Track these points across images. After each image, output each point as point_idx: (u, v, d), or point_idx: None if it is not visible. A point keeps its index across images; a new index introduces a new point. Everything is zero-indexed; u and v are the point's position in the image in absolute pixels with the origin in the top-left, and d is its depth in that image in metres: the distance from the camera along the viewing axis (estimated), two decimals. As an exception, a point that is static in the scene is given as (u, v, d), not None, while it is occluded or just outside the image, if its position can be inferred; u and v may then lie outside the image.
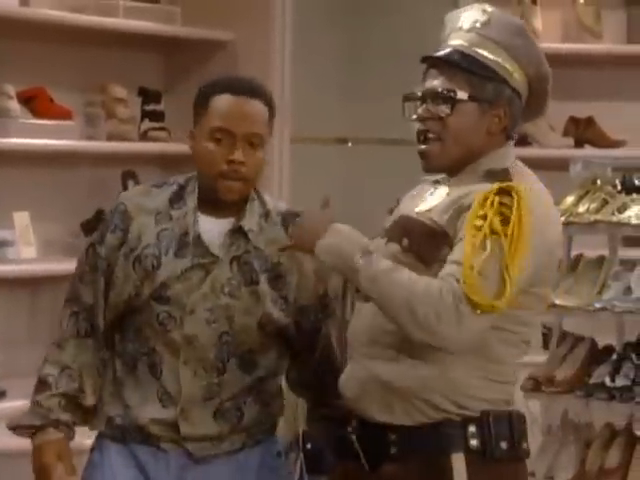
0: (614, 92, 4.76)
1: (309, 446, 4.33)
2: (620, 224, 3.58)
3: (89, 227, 3.89)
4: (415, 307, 2.17)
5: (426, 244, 2.24)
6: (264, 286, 2.38)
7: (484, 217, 2.18)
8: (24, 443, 2.45)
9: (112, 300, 2.38)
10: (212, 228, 2.38)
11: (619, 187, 3.69)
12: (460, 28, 2.32)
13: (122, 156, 4.03)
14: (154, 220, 2.37)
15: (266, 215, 2.42)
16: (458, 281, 2.17)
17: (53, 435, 2.38)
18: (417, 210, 2.29)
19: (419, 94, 2.32)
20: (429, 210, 2.27)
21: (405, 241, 2.26)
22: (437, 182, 2.36)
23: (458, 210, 2.23)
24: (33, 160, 3.81)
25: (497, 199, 2.20)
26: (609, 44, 4.79)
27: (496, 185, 2.22)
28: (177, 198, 2.40)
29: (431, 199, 2.30)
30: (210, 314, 2.36)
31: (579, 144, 4.76)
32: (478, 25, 2.30)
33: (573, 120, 4.77)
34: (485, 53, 2.29)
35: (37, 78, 3.80)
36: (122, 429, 2.38)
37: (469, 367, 2.24)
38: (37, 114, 3.76)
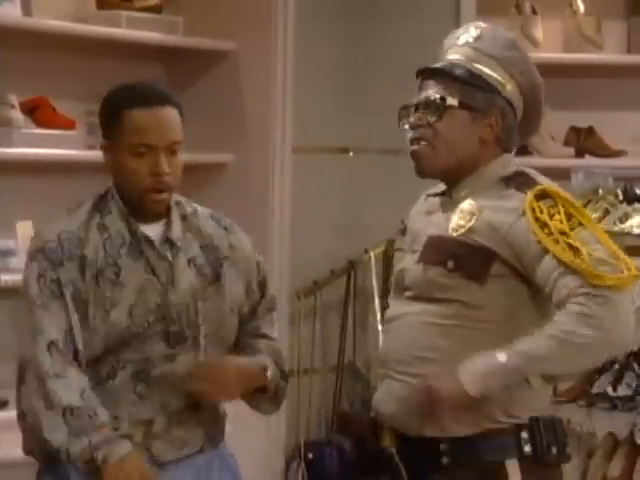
0: (615, 102, 4.77)
1: (310, 456, 4.34)
2: (622, 234, 3.59)
3: (91, 236, 3.89)
4: (584, 348, 2.20)
5: (475, 263, 2.28)
6: (227, 278, 2.40)
7: (545, 226, 2.24)
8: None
9: (96, 331, 2.32)
10: (147, 232, 2.38)
11: (621, 197, 3.70)
12: (455, 44, 2.40)
13: (124, 166, 4.03)
14: (98, 234, 2.36)
15: (194, 213, 2.43)
16: (580, 286, 2.21)
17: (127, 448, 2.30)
18: (452, 229, 2.32)
19: (414, 103, 2.37)
20: (469, 230, 2.30)
21: (451, 263, 2.29)
22: (443, 194, 2.39)
23: (499, 231, 2.28)
24: (36, 170, 3.82)
25: (541, 204, 2.25)
26: (610, 54, 4.80)
27: (530, 195, 2.27)
28: (102, 209, 2.39)
29: (460, 215, 2.33)
30: (200, 320, 2.37)
31: (580, 154, 4.77)
32: (471, 40, 2.38)
33: (574, 130, 4.78)
34: (478, 65, 2.35)
35: (40, 88, 3.81)
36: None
37: None
38: (40, 124, 3.77)
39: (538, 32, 4.73)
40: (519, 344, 2.23)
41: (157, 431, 2.34)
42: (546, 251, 2.24)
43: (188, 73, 4.22)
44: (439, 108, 2.32)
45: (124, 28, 3.92)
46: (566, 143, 4.79)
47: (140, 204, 2.36)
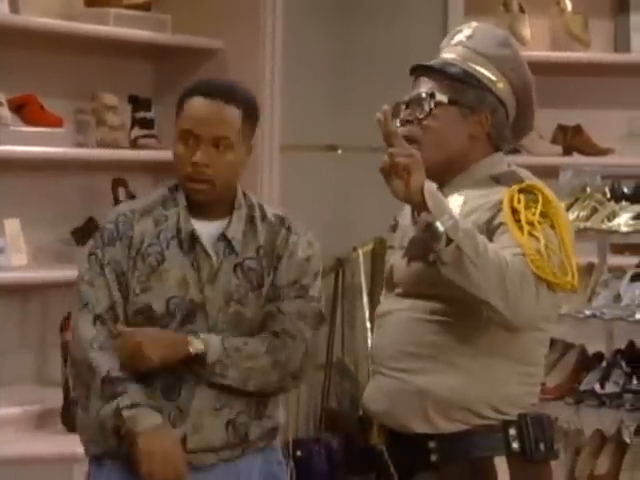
0: (602, 100, 4.78)
1: (299, 453, 4.34)
2: (609, 232, 3.60)
3: (80, 234, 3.89)
4: (505, 277, 2.15)
5: None
6: (267, 283, 2.41)
7: (516, 212, 2.22)
8: (24, 451, 2.44)
9: (128, 307, 2.37)
10: (202, 231, 2.40)
11: (608, 195, 3.71)
12: (449, 43, 2.41)
13: (112, 163, 4.03)
14: (153, 223, 2.40)
15: (263, 216, 2.45)
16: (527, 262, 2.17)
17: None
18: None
19: (405, 100, 2.38)
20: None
21: (432, 257, 2.26)
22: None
23: (481, 222, 2.27)
24: (24, 167, 3.81)
25: (522, 197, 2.25)
26: (597, 52, 4.81)
27: (516, 186, 2.27)
28: (169, 199, 2.43)
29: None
30: (224, 324, 2.38)
31: (567, 152, 4.78)
32: (464, 39, 2.39)
33: (561, 128, 4.79)
34: (471, 63, 2.36)
35: (28, 85, 3.80)
36: (121, 451, 2.36)
37: (507, 372, 2.28)
38: (28, 121, 3.76)
39: (526, 30, 4.74)
40: (466, 224, 2.17)
41: (191, 448, 2.34)
42: (507, 232, 2.23)
43: (176, 71, 4.21)
44: (428, 104, 2.33)
45: (112, 26, 3.91)
46: (554, 141, 4.80)
47: (186, 192, 2.40)
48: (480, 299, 2.18)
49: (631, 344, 3.73)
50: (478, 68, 2.35)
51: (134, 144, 4.05)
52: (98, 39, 3.90)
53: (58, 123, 3.83)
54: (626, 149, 4.78)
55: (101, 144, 3.95)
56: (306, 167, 4.51)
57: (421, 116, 2.33)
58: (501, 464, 2.28)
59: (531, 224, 2.22)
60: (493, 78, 2.35)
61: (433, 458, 2.29)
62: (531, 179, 2.34)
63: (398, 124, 2.36)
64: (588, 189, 3.71)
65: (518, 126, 2.41)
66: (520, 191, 2.26)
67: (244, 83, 4.16)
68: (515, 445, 2.28)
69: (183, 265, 2.37)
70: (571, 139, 4.78)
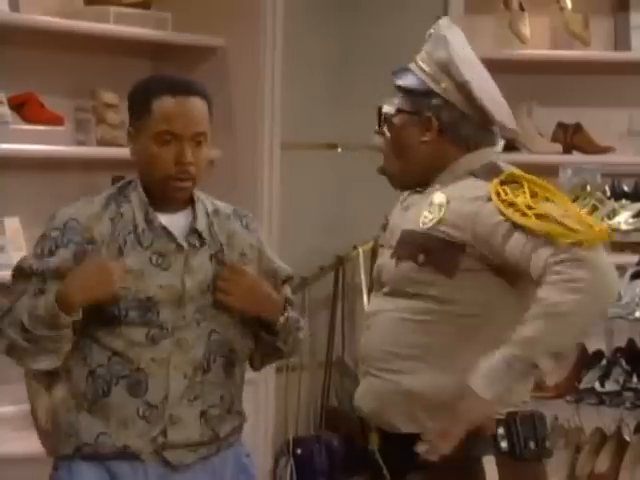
0: (602, 98, 4.78)
1: (299, 451, 4.34)
2: (610, 230, 3.60)
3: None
4: (574, 314, 2.17)
5: (445, 256, 2.28)
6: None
7: (511, 205, 2.24)
8: (24, 448, 2.44)
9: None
10: (167, 223, 2.39)
11: (608, 193, 3.71)
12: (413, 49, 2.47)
13: (112, 161, 4.03)
14: (109, 221, 2.38)
15: (215, 212, 2.45)
16: (553, 254, 2.18)
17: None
18: (422, 223, 2.32)
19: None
20: (438, 222, 2.30)
21: (421, 257, 2.30)
22: (418, 191, 2.42)
23: (468, 219, 2.28)
24: (24, 165, 3.81)
25: (505, 188, 2.27)
26: (597, 51, 4.81)
27: (495, 180, 2.29)
28: (120, 198, 2.40)
29: (429, 209, 2.33)
30: (199, 314, 2.37)
31: (568, 150, 4.78)
32: (427, 38, 2.43)
33: (561, 126, 4.79)
34: (421, 65, 2.40)
35: (28, 84, 3.80)
36: (99, 451, 2.35)
37: None
38: (28, 120, 3.76)
39: (526, 29, 4.74)
40: (513, 335, 2.20)
41: (171, 442, 2.34)
42: (515, 227, 2.23)
43: (176, 69, 4.20)
44: (379, 117, 2.41)
45: (112, 24, 3.91)
46: (554, 139, 4.80)
47: (163, 192, 2.37)
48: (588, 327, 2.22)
49: (631, 342, 3.73)
50: (428, 71, 2.38)
51: (134, 142, 4.05)
52: (98, 37, 3.90)
53: (58, 121, 3.83)
54: (626, 147, 4.78)
55: (101, 142, 3.95)
56: (306, 165, 4.51)
57: (379, 130, 2.41)
58: (489, 463, 2.27)
59: (529, 207, 2.23)
60: (438, 78, 2.37)
61: (422, 458, 2.27)
62: (510, 169, 2.35)
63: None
64: (588, 187, 3.71)
65: (478, 121, 2.40)
66: (502, 184, 2.28)
67: (244, 81, 4.19)
68: (504, 444, 2.28)
69: (141, 261, 2.35)
70: (571, 137, 4.78)
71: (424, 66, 2.39)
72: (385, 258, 2.39)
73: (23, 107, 3.77)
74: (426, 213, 2.32)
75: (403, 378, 2.30)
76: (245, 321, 2.42)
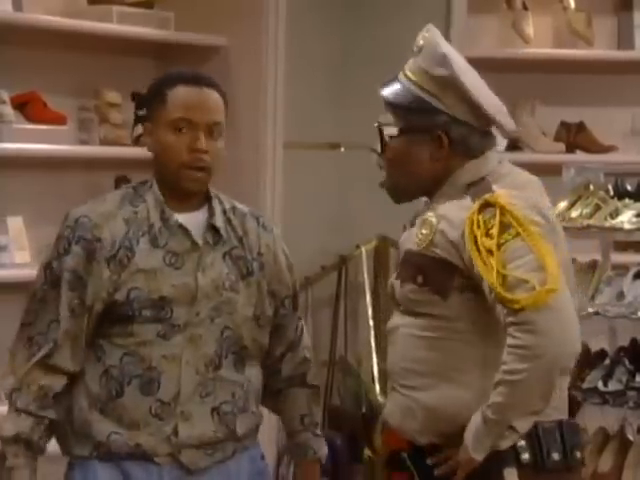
0: (605, 98, 4.78)
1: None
2: (613, 229, 3.60)
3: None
4: (532, 379, 2.19)
5: (439, 277, 2.28)
6: (258, 276, 2.42)
7: (477, 242, 2.23)
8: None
9: (88, 304, 2.34)
10: (183, 221, 2.38)
11: (611, 192, 3.71)
12: (412, 51, 2.40)
13: (115, 161, 4.03)
14: (122, 221, 2.37)
15: (232, 209, 2.45)
16: (507, 315, 2.20)
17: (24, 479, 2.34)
18: (417, 243, 2.33)
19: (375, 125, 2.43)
20: (430, 243, 2.30)
21: (420, 278, 2.30)
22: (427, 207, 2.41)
23: (451, 243, 2.28)
24: (27, 165, 3.81)
25: (480, 218, 2.24)
26: (600, 50, 4.81)
27: (475, 206, 2.27)
28: (136, 198, 2.39)
29: (423, 227, 2.33)
30: (214, 311, 2.37)
31: (570, 149, 4.78)
32: (416, 52, 2.38)
33: (564, 125, 4.79)
34: (419, 83, 2.35)
35: (31, 83, 3.80)
36: (113, 451, 2.35)
37: None
38: (31, 119, 3.76)
39: (529, 28, 4.74)
40: (490, 398, 2.24)
41: (183, 440, 2.34)
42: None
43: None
44: (381, 138, 2.37)
45: (115, 23, 3.91)
46: (557, 138, 4.80)
47: (178, 183, 2.36)
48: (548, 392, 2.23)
49: (634, 342, 3.72)
50: (427, 88, 2.34)
51: (137, 142, 4.05)
52: (101, 37, 3.90)
53: (61, 121, 3.83)
54: (629, 146, 4.78)
55: (104, 142, 3.95)
56: (309, 165, 4.51)
57: (379, 150, 2.38)
58: (511, 476, 2.26)
59: (490, 251, 2.22)
60: (440, 96, 2.33)
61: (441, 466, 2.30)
62: (496, 187, 2.30)
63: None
64: (591, 186, 3.71)
65: (481, 128, 2.38)
66: (480, 210, 2.25)
67: (247, 80, 4.19)
68: (525, 456, 2.27)
69: (157, 260, 2.34)
70: (574, 136, 4.78)
71: (423, 84, 2.34)
72: (394, 277, 2.40)
73: (26, 106, 3.77)
74: (419, 233, 2.32)
75: (419, 394, 2.32)
76: (260, 319, 2.42)
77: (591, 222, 3.59)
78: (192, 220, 2.39)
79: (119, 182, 4.01)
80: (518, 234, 2.23)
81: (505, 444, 2.27)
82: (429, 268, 2.29)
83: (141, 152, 4.08)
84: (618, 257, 4.00)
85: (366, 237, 4.48)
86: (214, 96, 2.38)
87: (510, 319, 2.20)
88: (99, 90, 3.96)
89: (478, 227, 2.23)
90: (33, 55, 3.79)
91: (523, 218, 2.24)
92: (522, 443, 2.27)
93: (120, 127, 3.98)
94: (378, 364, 4.27)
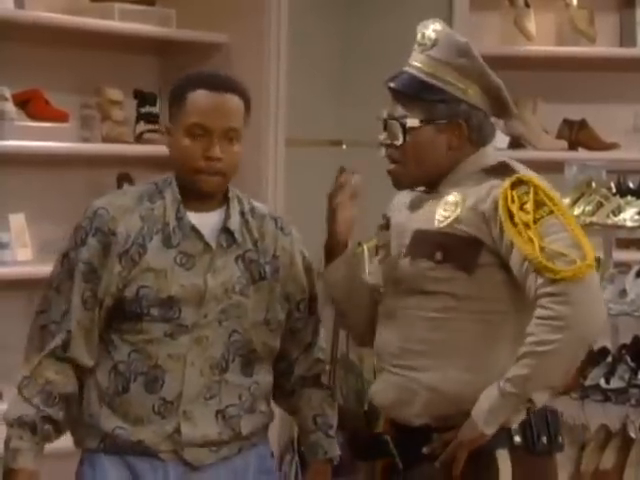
0: (607, 95, 4.77)
1: (303, 449, 4.33)
2: (615, 226, 3.60)
3: (85, 229, 3.89)
4: (559, 352, 2.23)
5: (464, 253, 2.30)
6: (270, 280, 2.41)
7: (512, 215, 2.26)
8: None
9: (100, 297, 2.35)
10: (199, 222, 2.38)
11: (614, 190, 3.71)
12: (416, 47, 2.42)
13: (117, 158, 4.03)
14: (138, 217, 2.37)
15: (251, 211, 2.44)
16: (542, 286, 2.23)
17: (27, 462, 2.34)
18: (438, 221, 2.34)
19: (383, 118, 2.41)
20: (455, 220, 2.32)
21: (439, 255, 2.31)
22: (427, 191, 2.42)
23: (482, 217, 2.30)
24: (29, 162, 3.81)
25: (514, 193, 2.28)
26: (602, 47, 4.80)
27: (507, 182, 2.30)
28: (155, 194, 2.40)
29: (444, 207, 2.35)
30: (222, 314, 2.37)
31: (573, 147, 4.77)
32: (428, 46, 2.39)
33: (567, 123, 4.79)
34: (437, 74, 2.37)
35: (33, 80, 3.80)
36: (118, 444, 2.36)
37: (511, 365, 2.28)
38: (33, 116, 3.76)
39: (531, 25, 4.73)
40: (509, 371, 2.26)
41: (186, 439, 2.35)
42: (513, 242, 2.28)
43: (181, 65, 4.20)
44: (402, 131, 2.37)
45: (117, 21, 3.91)
46: (559, 136, 4.80)
47: (193, 185, 2.37)
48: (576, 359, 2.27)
49: (636, 339, 3.72)
50: (446, 78, 2.36)
51: (139, 139, 4.05)
52: (103, 34, 3.90)
53: (63, 118, 3.83)
54: (631, 144, 4.78)
55: (106, 139, 3.95)
56: (311, 162, 4.50)
57: (398, 143, 2.37)
58: (503, 457, 2.30)
59: (526, 225, 2.25)
60: (462, 86, 2.36)
61: (437, 451, 2.31)
62: (519, 169, 2.37)
63: (380, 144, 2.41)
64: (593, 184, 3.70)
65: (499, 116, 2.44)
66: (512, 186, 2.29)
67: (249, 78, 4.19)
68: (517, 438, 2.30)
69: (166, 259, 2.34)
70: (576, 134, 4.78)
71: (441, 75, 2.36)
72: (396, 257, 2.39)
73: (28, 104, 3.77)
74: (441, 212, 2.34)
75: (419, 374, 2.32)
76: (271, 323, 2.41)
77: (593, 219, 3.59)
78: (208, 221, 2.38)
79: (121, 180, 4.01)
80: (552, 212, 2.28)
81: (516, 420, 2.30)
82: (451, 245, 2.31)
83: (143, 149, 4.12)
84: (620, 255, 3.99)
85: (368, 235, 4.48)
86: (233, 101, 2.36)
87: (546, 289, 2.23)
88: (101, 87, 3.96)
89: (512, 202, 2.27)
90: (35, 52, 3.79)
91: (555, 197, 2.30)
92: (515, 426, 2.30)
93: (122, 124, 3.98)
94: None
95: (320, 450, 2.51)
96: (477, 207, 2.31)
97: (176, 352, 2.34)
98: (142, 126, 4.05)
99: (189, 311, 2.34)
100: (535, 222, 2.26)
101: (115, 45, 4.01)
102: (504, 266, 2.30)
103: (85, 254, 2.35)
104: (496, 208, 2.28)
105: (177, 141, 2.37)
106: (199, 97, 2.35)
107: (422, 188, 2.44)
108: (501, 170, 2.35)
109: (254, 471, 2.42)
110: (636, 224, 3.58)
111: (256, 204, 2.47)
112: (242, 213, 2.42)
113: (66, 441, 2.44)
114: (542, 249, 2.23)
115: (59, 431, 2.38)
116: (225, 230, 2.38)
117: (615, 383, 3.55)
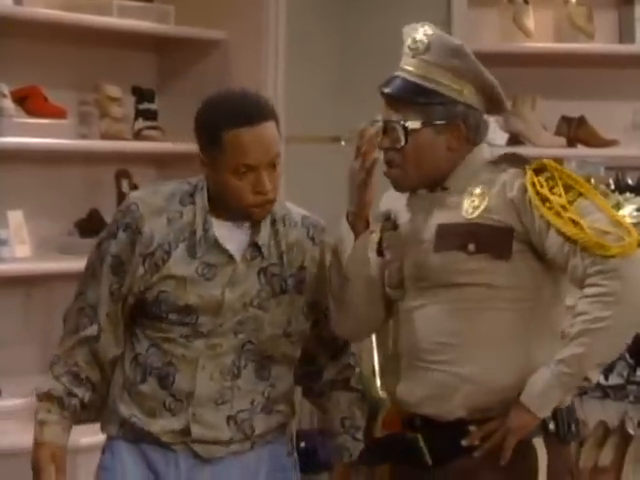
0: (606, 92, 4.77)
1: (303, 445, 4.34)
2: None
3: (83, 226, 3.89)
4: (614, 328, 2.25)
5: (498, 241, 2.32)
6: (291, 293, 2.40)
7: (546, 200, 2.28)
8: (28, 442, 2.45)
9: (124, 292, 2.38)
10: (227, 234, 2.37)
11: (612, 186, 3.71)
12: (407, 52, 2.42)
13: (116, 155, 4.03)
14: (166, 220, 2.36)
15: (282, 218, 2.42)
16: (591, 264, 2.25)
17: (53, 435, 2.38)
18: (467, 212, 2.34)
19: (380, 123, 2.40)
20: (485, 210, 2.33)
21: (472, 246, 2.32)
22: (431, 191, 2.42)
23: (511, 205, 2.32)
24: (27, 159, 3.81)
25: (540, 179, 2.31)
26: (601, 44, 4.80)
27: (529, 169, 2.32)
28: (186, 196, 2.39)
29: (470, 199, 2.36)
30: (238, 325, 2.37)
31: (571, 143, 4.77)
32: (421, 50, 2.40)
33: (565, 119, 4.78)
34: (432, 77, 2.37)
35: (31, 77, 3.80)
36: (134, 431, 2.39)
37: (545, 351, 2.31)
38: (31, 113, 3.76)
39: (530, 22, 4.73)
40: (561, 352, 2.27)
41: (197, 437, 2.36)
42: (549, 225, 2.29)
43: (179, 62, 4.21)
44: (403, 134, 2.36)
45: (115, 17, 3.91)
46: (557, 133, 4.79)
47: (245, 217, 2.35)
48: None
49: (635, 336, 3.71)
50: (440, 80, 2.37)
51: (137, 135, 4.05)
52: (101, 30, 3.90)
53: (61, 114, 3.83)
54: (630, 140, 4.77)
55: (104, 136, 3.95)
56: (310, 158, 4.50)
57: (398, 146, 2.37)
58: (539, 445, 2.32)
59: (563, 207, 2.28)
60: (457, 87, 2.37)
61: (476, 442, 2.31)
62: (527, 157, 2.39)
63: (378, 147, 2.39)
64: (592, 181, 3.70)
65: (492, 113, 2.45)
66: (536, 172, 2.32)
67: (247, 74, 4.19)
68: (551, 426, 2.33)
69: (190, 269, 2.34)
70: (575, 130, 4.77)
71: (436, 77, 2.36)
72: (418, 254, 2.38)
73: (26, 100, 3.77)
74: (468, 203, 2.35)
75: (459, 367, 2.32)
76: (292, 336, 2.40)
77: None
78: (236, 232, 2.37)
79: (119, 176, 4.01)
80: (581, 194, 2.30)
81: (569, 399, 2.33)
82: (485, 235, 2.32)
83: (142, 146, 4.12)
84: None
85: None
86: (270, 130, 2.31)
87: (597, 267, 2.24)
88: (99, 84, 3.96)
89: (541, 186, 2.29)
90: (33, 49, 3.79)
91: (581, 180, 2.33)
92: (548, 414, 2.32)
93: (120, 121, 3.98)
94: (379, 359, 4.27)
95: (346, 452, 2.50)
96: (505, 195, 2.32)
97: (189, 354, 2.35)
98: (140, 123, 4.05)
99: (206, 319, 2.35)
100: (570, 204, 2.29)
101: (113, 42, 4.00)
102: (536, 253, 2.32)
103: (114, 247, 2.37)
104: (524, 194, 2.30)
105: (222, 179, 2.32)
106: (237, 137, 2.28)
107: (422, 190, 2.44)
108: (514, 159, 2.37)
109: (267, 469, 2.42)
110: (635, 220, 3.58)
111: (292, 209, 2.45)
112: (273, 221, 2.40)
113: (74, 436, 2.46)
114: (588, 228, 2.25)
115: (86, 410, 2.41)
116: (253, 244, 2.37)
117: (614, 380, 3.56)
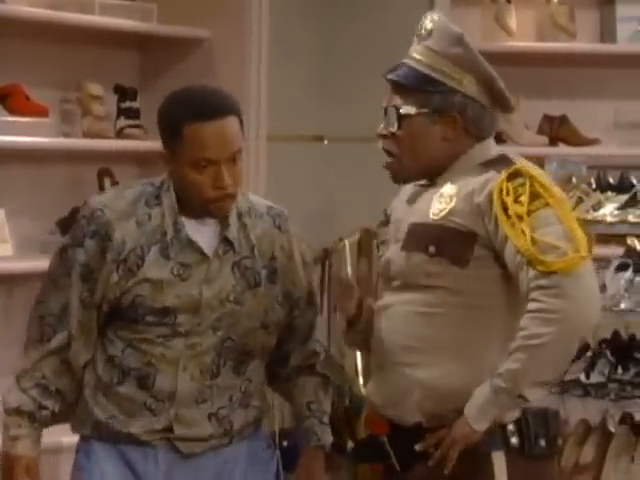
0: (588, 91, 4.78)
1: (285, 443, 4.34)
2: (595, 222, 3.61)
3: (65, 225, 3.88)
4: (552, 345, 2.20)
5: (457, 246, 2.29)
6: (265, 285, 2.40)
7: (506, 208, 2.25)
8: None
9: (97, 300, 2.36)
10: (197, 232, 2.37)
11: (594, 185, 3.72)
12: (415, 38, 2.41)
13: (98, 153, 4.02)
14: (135, 224, 2.35)
15: (248, 211, 2.42)
16: (534, 278, 2.21)
17: (26, 449, 2.38)
18: (433, 214, 2.33)
19: (383, 106, 2.41)
20: (449, 212, 2.31)
21: (432, 248, 2.30)
22: (427, 185, 2.41)
23: (477, 210, 2.29)
24: (8, 157, 3.80)
25: (509, 185, 2.27)
26: (583, 43, 4.81)
27: (503, 174, 2.29)
28: (152, 197, 2.38)
29: (439, 200, 2.34)
30: (217, 322, 2.37)
31: (553, 142, 4.78)
32: (424, 36, 2.39)
33: (547, 118, 4.80)
34: (435, 66, 2.37)
35: (13, 75, 3.78)
36: (111, 432, 2.38)
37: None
38: (13, 111, 3.75)
39: (512, 21, 4.74)
40: (500, 367, 2.24)
41: (179, 435, 2.37)
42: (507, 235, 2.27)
43: (162, 61, 4.20)
44: (396, 118, 2.36)
45: (97, 15, 3.90)
46: (540, 131, 4.81)
47: (205, 213, 2.34)
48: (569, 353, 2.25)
49: (616, 334, 3.74)
50: (442, 69, 2.36)
51: (120, 134, 4.04)
52: (83, 28, 3.89)
53: (43, 113, 3.82)
54: (611, 139, 4.79)
55: (87, 134, 3.94)
56: (293, 157, 4.50)
57: (393, 130, 2.36)
58: (498, 459, 2.27)
59: (520, 217, 2.24)
60: (457, 77, 2.36)
61: (431, 449, 2.29)
62: (521, 161, 2.36)
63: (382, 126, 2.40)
64: (574, 179, 3.72)
65: (499, 109, 2.43)
66: (509, 178, 2.29)
67: (230, 73, 4.19)
68: (514, 440, 2.28)
69: (165, 272, 2.34)
70: (557, 129, 4.79)
71: (437, 65, 2.36)
72: (392, 252, 2.38)
73: (8, 98, 3.75)
74: (436, 204, 2.33)
75: (414, 371, 2.30)
76: (270, 327, 2.41)
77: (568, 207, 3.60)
78: (205, 229, 2.36)
79: (102, 175, 4.00)
80: (547, 204, 2.26)
81: (509, 417, 2.28)
82: (445, 238, 2.30)
83: (124, 145, 4.10)
84: (600, 250, 4.00)
85: (350, 230, 4.48)
86: (231, 125, 2.30)
87: (538, 282, 2.21)
88: (81, 82, 3.95)
89: (507, 194, 2.26)
90: (15, 47, 3.78)
91: (552, 189, 2.29)
92: (511, 427, 2.28)
93: (103, 120, 3.97)
94: (362, 357, 4.28)
95: (313, 437, 2.51)
96: (472, 199, 2.30)
97: (169, 353, 2.35)
98: (123, 121, 4.04)
99: (184, 318, 2.35)
100: (529, 214, 2.25)
101: (95, 40, 3.99)
102: (499, 260, 2.29)
103: (82, 256, 2.35)
104: (491, 201, 2.27)
105: (182, 173, 2.32)
106: (197, 131, 2.28)
107: (421, 182, 2.42)
108: (499, 162, 2.34)
109: (246, 463, 2.43)
110: (616, 219, 3.60)
111: (254, 201, 2.45)
112: (239, 215, 2.40)
113: (56, 436, 2.47)
114: (534, 241, 2.21)
115: (56, 418, 2.41)
116: (224, 239, 2.37)
117: (595, 378, 3.57)
